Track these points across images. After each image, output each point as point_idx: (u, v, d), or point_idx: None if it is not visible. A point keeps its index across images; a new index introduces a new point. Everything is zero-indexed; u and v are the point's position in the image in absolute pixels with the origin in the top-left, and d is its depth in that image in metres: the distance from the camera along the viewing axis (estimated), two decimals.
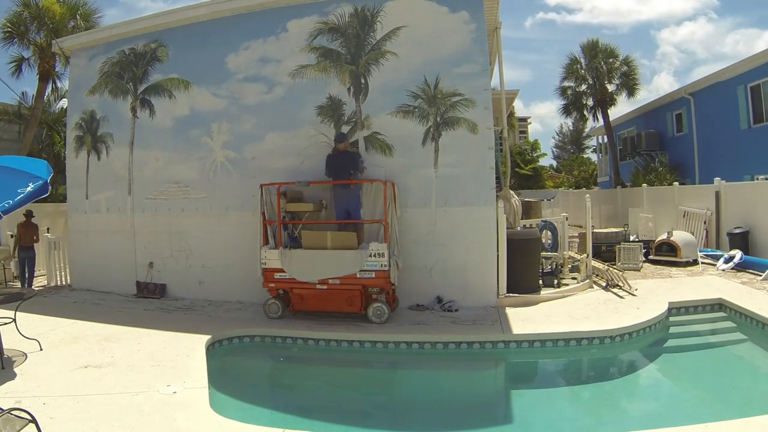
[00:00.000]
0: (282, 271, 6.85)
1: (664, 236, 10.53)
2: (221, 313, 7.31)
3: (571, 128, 49.77)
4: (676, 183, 14.39)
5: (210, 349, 5.72)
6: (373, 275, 6.51)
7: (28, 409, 3.10)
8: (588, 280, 8.17)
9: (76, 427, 3.66)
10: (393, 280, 6.71)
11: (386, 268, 6.49)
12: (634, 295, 7.35)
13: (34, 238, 9.22)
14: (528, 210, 9.89)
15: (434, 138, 7.46)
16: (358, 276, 6.56)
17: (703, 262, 9.86)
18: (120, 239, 8.99)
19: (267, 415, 4.80)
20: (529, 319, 6.46)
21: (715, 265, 9.49)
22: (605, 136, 23.47)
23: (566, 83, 21.94)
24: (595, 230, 10.49)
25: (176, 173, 8.62)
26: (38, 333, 5.82)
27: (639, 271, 9.60)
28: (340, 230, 7.07)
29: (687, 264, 9.92)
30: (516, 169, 24.70)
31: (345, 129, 7.66)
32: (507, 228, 7.57)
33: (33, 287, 9.06)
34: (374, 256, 6.49)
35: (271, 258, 6.90)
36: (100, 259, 9.14)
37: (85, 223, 9.40)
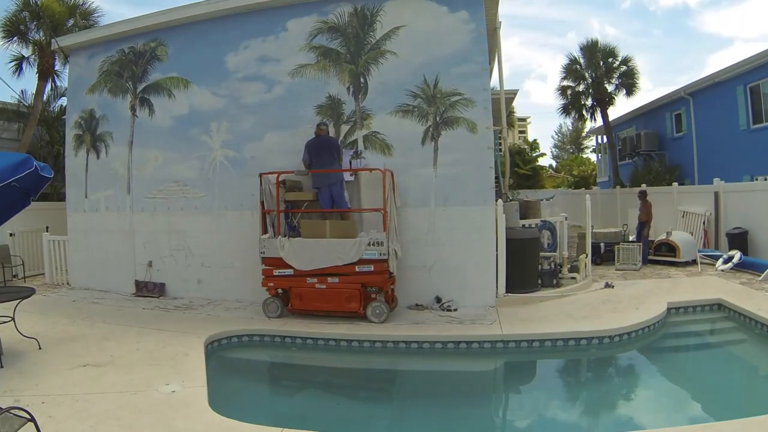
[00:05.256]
0: (281, 266, 6.85)
1: (663, 236, 10.55)
2: (220, 312, 7.31)
3: (570, 128, 49.79)
4: (675, 183, 14.39)
5: (209, 347, 5.72)
6: (372, 267, 6.52)
7: (26, 408, 3.10)
8: (587, 280, 8.17)
9: (75, 426, 3.65)
10: (392, 269, 6.73)
11: (385, 257, 6.51)
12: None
13: None
14: (526, 210, 9.88)
15: (434, 137, 7.46)
16: (356, 269, 6.56)
17: (702, 263, 9.87)
18: (119, 238, 8.98)
19: (266, 413, 4.80)
20: (528, 318, 6.46)
21: (714, 265, 9.50)
22: (604, 136, 23.48)
23: (565, 83, 21.93)
24: (594, 230, 10.49)
25: (175, 172, 8.62)
26: (37, 332, 5.81)
27: (638, 271, 9.61)
28: (325, 218, 7.09)
29: (686, 264, 9.93)
30: (515, 169, 24.68)
31: (344, 128, 7.70)
32: (507, 227, 7.57)
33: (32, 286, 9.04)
34: (373, 244, 6.51)
35: (270, 247, 6.91)
36: (99, 258, 9.14)
37: (84, 222, 9.40)
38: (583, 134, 42.89)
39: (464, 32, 7.39)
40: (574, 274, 8.50)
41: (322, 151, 7.20)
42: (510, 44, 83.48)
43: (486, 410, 5.00)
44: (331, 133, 7.64)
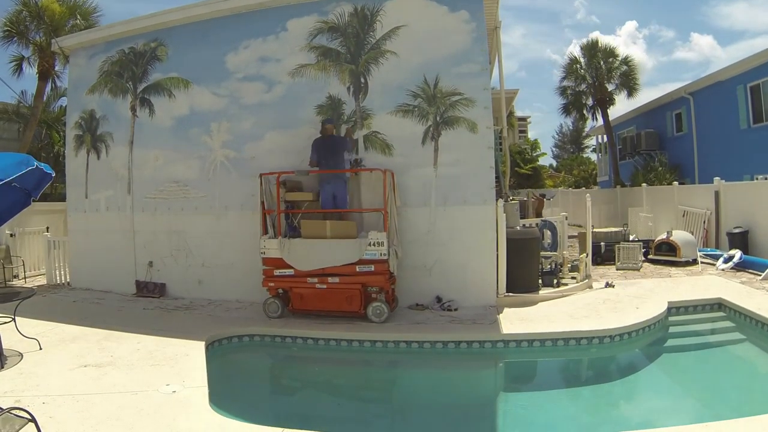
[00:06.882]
0: (282, 267, 6.85)
1: (663, 236, 10.53)
2: (221, 313, 7.31)
3: (570, 128, 49.76)
4: (675, 182, 14.39)
5: (209, 348, 5.72)
6: (372, 267, 6.52)
7: (27, 408, 3.10)
8: (587, 280, 8.17)
9: (76, 426, 3.66)
10: (392, 269, 6.73)
11: (385, 257, 6.51)
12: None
13: None
14: (526, 210, 9.88)
15: (434, 137, 7.46)
16: (357, 270, 6.56)
17: (702, 262, 9.86)
18: (119, 238, 8.98)
19: (266, 414, 4.81)
20: (529, 318, 6.46)
21: (714, 264, 9.49)
22: (605, 136, 23.50)
23: (566, 83, 21.95)
24: (594, 230, 10.49)
25: (176, 172, 8.62)
26: (37, 332, 5.81)
27: (638, 270, 9.61)
28: (326, 217, 7.09)
29: (686, 264, 9.92)
30: (515, 169, 24.67)
31: (344, 128, 7.68)
32: (507, 227, 7.57)
33: (32, 286, 9.06)
34: (374, 245, 6.51)
35: (271, 247, 6.92)
36: (100, 258, 9.13)
37: (85, 222, 9.40)
38: (584, 134, 42.90)
39: (464, 32, 7.39)
40: (575, 274, 8.50)
41: (330, 153, 7.18)
42: (517, 36, 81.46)
43: (486, 410, 5.00)
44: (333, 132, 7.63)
